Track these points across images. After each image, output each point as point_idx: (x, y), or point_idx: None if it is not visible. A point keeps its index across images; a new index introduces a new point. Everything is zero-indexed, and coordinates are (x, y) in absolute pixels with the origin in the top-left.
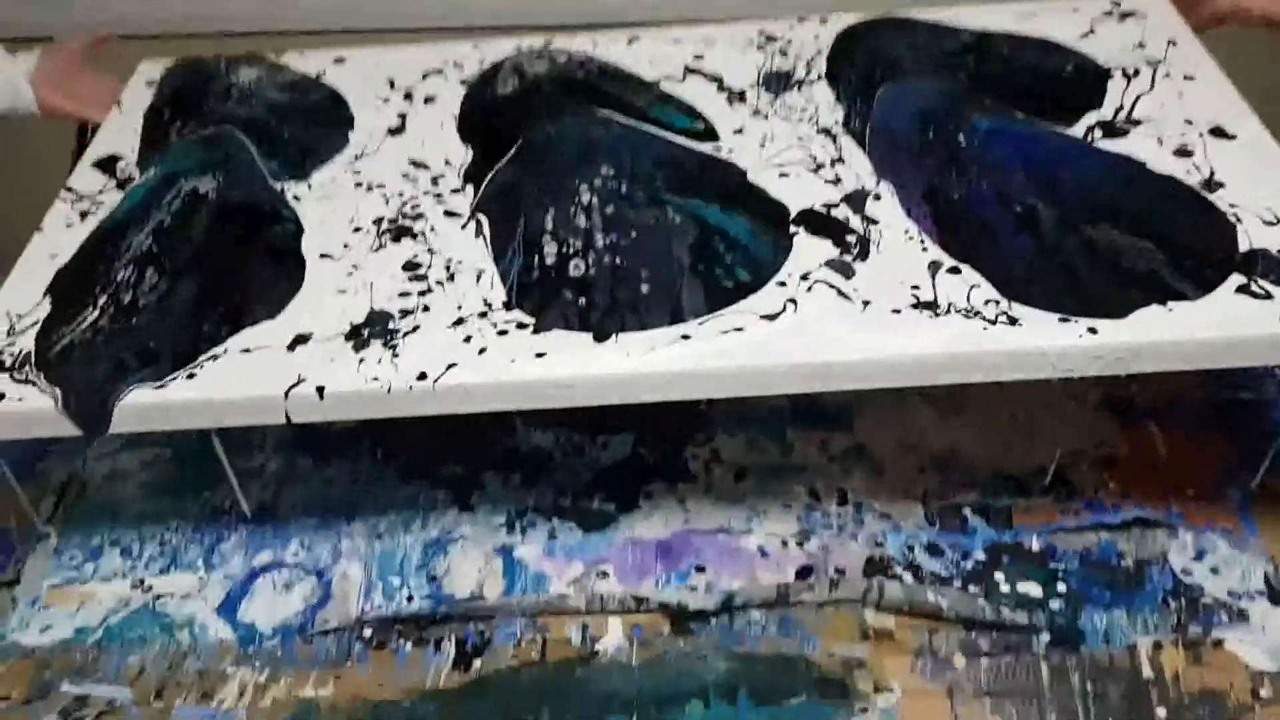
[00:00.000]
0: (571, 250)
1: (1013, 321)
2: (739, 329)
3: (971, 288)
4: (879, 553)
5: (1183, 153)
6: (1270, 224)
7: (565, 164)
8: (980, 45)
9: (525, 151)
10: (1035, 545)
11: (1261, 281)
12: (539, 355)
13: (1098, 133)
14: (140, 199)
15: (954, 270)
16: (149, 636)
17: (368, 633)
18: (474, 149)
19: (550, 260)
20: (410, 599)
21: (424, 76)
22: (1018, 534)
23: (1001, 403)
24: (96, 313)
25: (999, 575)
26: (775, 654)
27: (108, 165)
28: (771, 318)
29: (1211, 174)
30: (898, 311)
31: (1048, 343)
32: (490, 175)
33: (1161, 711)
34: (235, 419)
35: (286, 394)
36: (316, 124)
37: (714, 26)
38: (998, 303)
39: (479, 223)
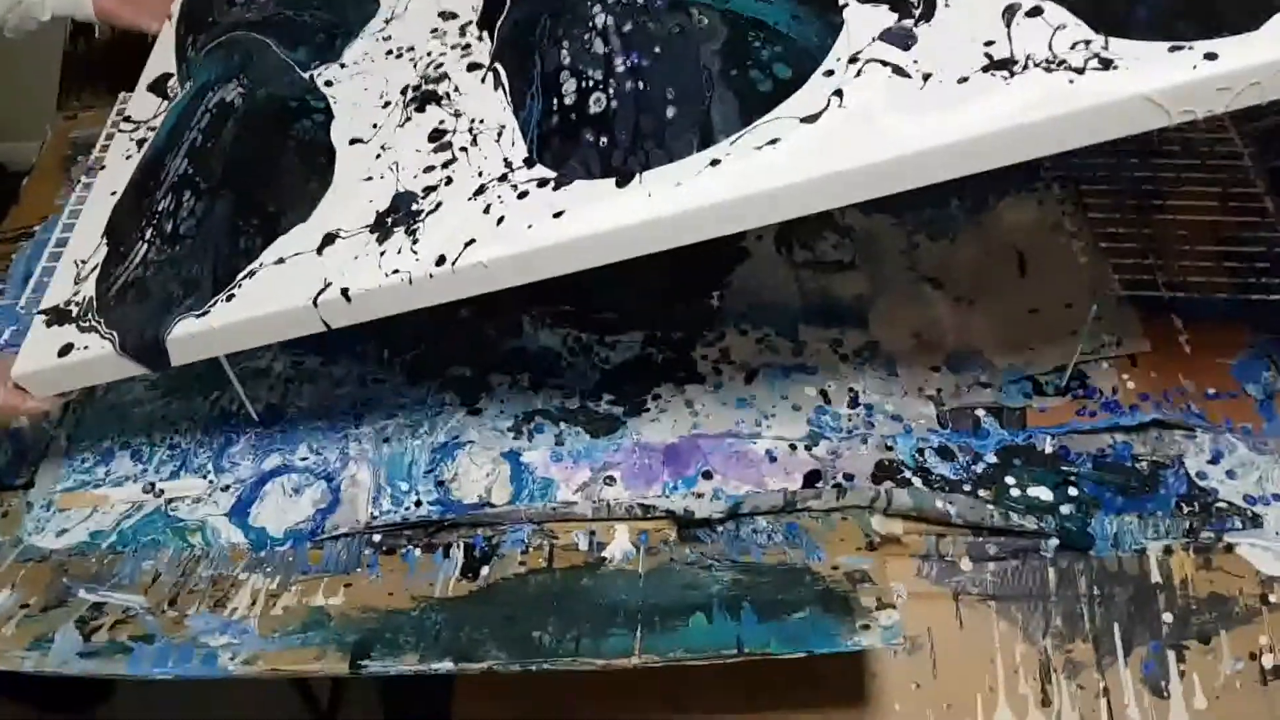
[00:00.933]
0: (591, 83)
1: (1106, 65)
2: (774, 141)
3: (1056, 29)
4: (888, 457)
5: None
6: None
7: None
8: None
9: None
10: (1048, 448)
11: None
12: (556, 215)
13: None
14: (174, 121)
15: (1034, 11)
16: (162, 541)
17: (377, 538)
18: None
19: (570, 99)
20: (418, 504)
21: None
22: (1031, 436)
23: (1021, 295)
24: (145, 246)
25: (1009, 479)
26: (780, 564)
27: (159, 86)
28: (813, 119)
29: None
30: (964, 80)
31: (1152, 84)
32: (501, 17)
33: (1168, 616)
34: (277, 334)
35: (315, 302)
36: None
37: None
38: (1088, 43)
39: (496, 73)
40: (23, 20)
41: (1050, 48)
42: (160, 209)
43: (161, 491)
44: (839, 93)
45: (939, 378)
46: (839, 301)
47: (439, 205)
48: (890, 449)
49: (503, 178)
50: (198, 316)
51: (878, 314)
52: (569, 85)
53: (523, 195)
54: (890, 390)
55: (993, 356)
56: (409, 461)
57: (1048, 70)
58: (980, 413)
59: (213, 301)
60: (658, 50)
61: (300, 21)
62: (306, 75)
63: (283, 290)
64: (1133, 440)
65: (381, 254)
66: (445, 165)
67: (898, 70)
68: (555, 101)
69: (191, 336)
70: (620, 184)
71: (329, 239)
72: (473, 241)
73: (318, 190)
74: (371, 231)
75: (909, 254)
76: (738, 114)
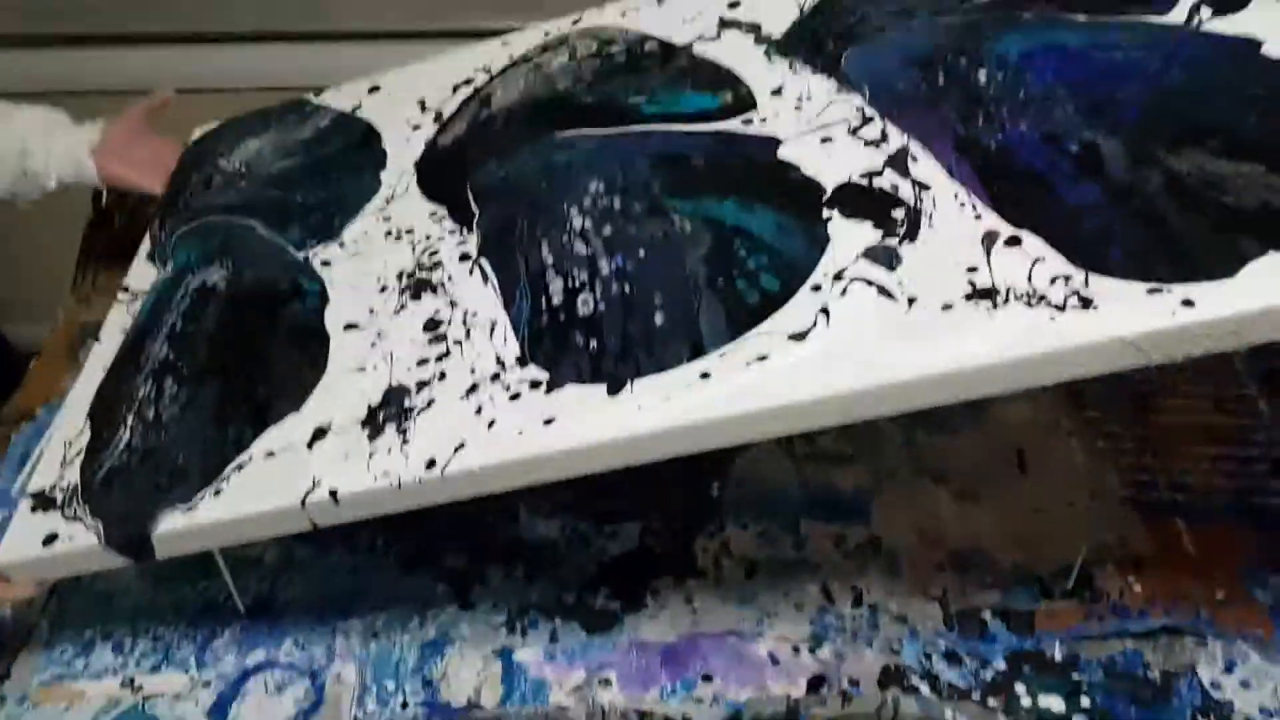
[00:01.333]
0: (577, 284)
1: (1086, 304)
2: (763, 357)
3: (1034, 262)
4: (894, 661)
5: None
6: None
7: (546, 192)
8: None
9: (490, 194)
10: (1058, 654)
11: None
12: (547, 422)
13: (1205, 11)
14: (154, 300)
15: (1013, 241)
16: None
17: None
18: (444, 203)
19: (557, 299)
20: (405, 705)
21: (454, 90)
22: (1040, 640)
23: (1023, 492)
24: (128, 433)
25: (1020, 687)
26: None
27: (157, 255)
28: (801, 337)
29: None
30: (949, 307)
31: (1133, 329)
32: (475, 219)
33: None
34: (264, 532)
35: (303, 503)
36: (342, 173)
37: None
38: (1068, 279)
39: (482, 269)
40: (29, 189)
41: (1030, 280)
42: (141, 395)
43: (140, 687)
44: (825, 311)
45: (944, 577)
46: (841, 495)
47: (431, 402)
48: (896, 652)
49: (495, 376)
50: (184, 511)
51: (880, 509)
52: (555, 285)
53: (515, 397)
54: (894, 589)
55: (997, 555)
56: (397, 659)
57: (1029, 305)
58: (986, 615)
59: (200, 495)
60: (642, 254)
61: (291, 201)
62: (301, 255)
63: (271, 487)
64: (1143, 647)
65: (371, 454)
66: (439, 359)
67: (883, 291)
68: (543, 300)
69: (177, 532)
70: (612, 391)
71: (320, 433)
72: (463, 445)
73: (310, 378)
74: (363, 426)
75: (908, 447)
76: (726, 325)
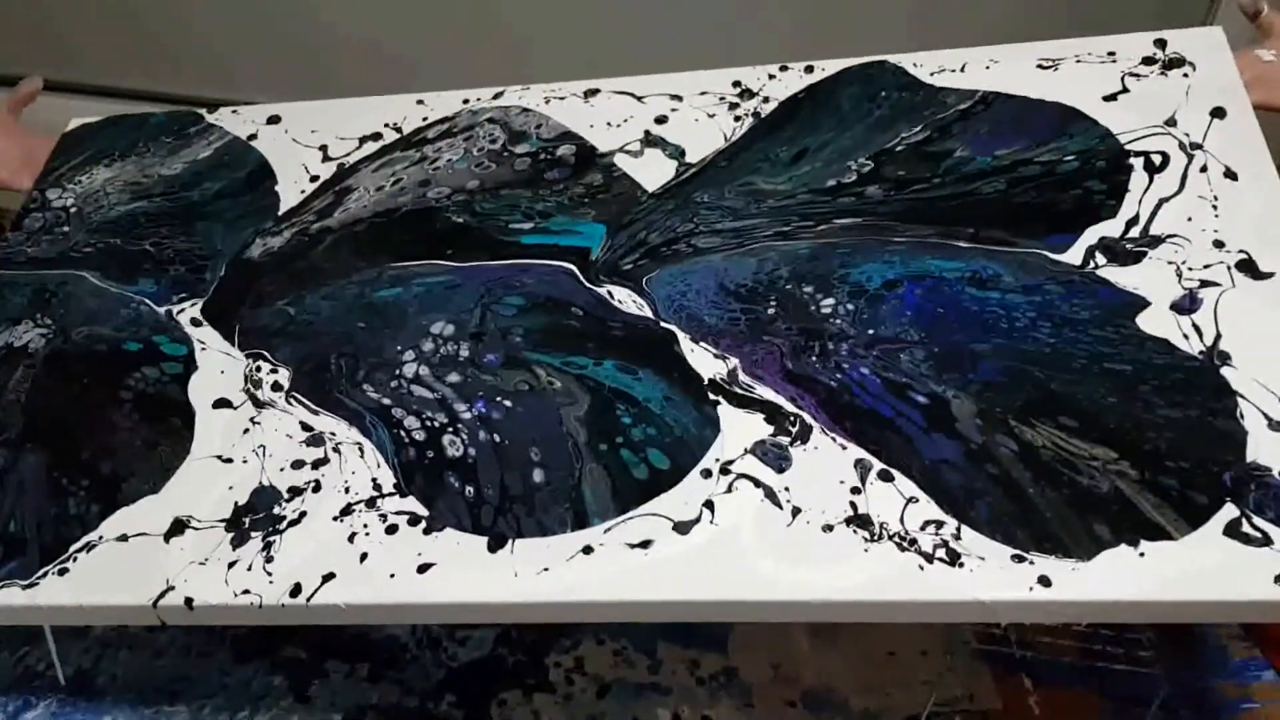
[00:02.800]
0: (435, 423)
1: (954, 559)
2: (646, 543)
3: (908, 501)
4: None
5: (1187, 303)
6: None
7: (364, 333)
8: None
9: (277, 335)
10: None
11: (1258, 519)
12: (422, 569)
13: (1100, 258)
14: None
15: (886, 475)
16: None
17: None
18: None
19: (418, 435)
20: None
21: (360, 142)
22: None
23: (878, 637)
24: None
25: None
26: None
27: None
28: (684, 528)
29: (1218, 338)
30: (829, 529)
31: (991, 594)
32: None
33: None
34: (109, 621)
35: (155, 603)
36: (221, 216)
37: (688, 75)
38: (939, 525)
39: (302, 402)
40: None
41: (903, 521)
42: None
43: None
44: (710, 505)
45: (795, 714)
46: (702, 624)
47: (302, 516)
48: None
49: (371, 502)
50: (24, 587)
51: (738, 639)
52: (408, 420)
53: (391, 530)
54: None
55: (849, 697)
56: None
57: (900, 548)
58: None
59: (41, 573)
60: (508, 404)
61: (137, 251)
62: (162, 310)
63: (121, 579)
64: None
65: (231, 564)
66: (316, 465)
67: (770, 494)
68: (403, 434)
69: (13, 609)
70: (492, 548)
71: (178, 526)
72: (332, 576)
73: (170, 458)
74: (226, 529)
75: None
76: (611, 496)
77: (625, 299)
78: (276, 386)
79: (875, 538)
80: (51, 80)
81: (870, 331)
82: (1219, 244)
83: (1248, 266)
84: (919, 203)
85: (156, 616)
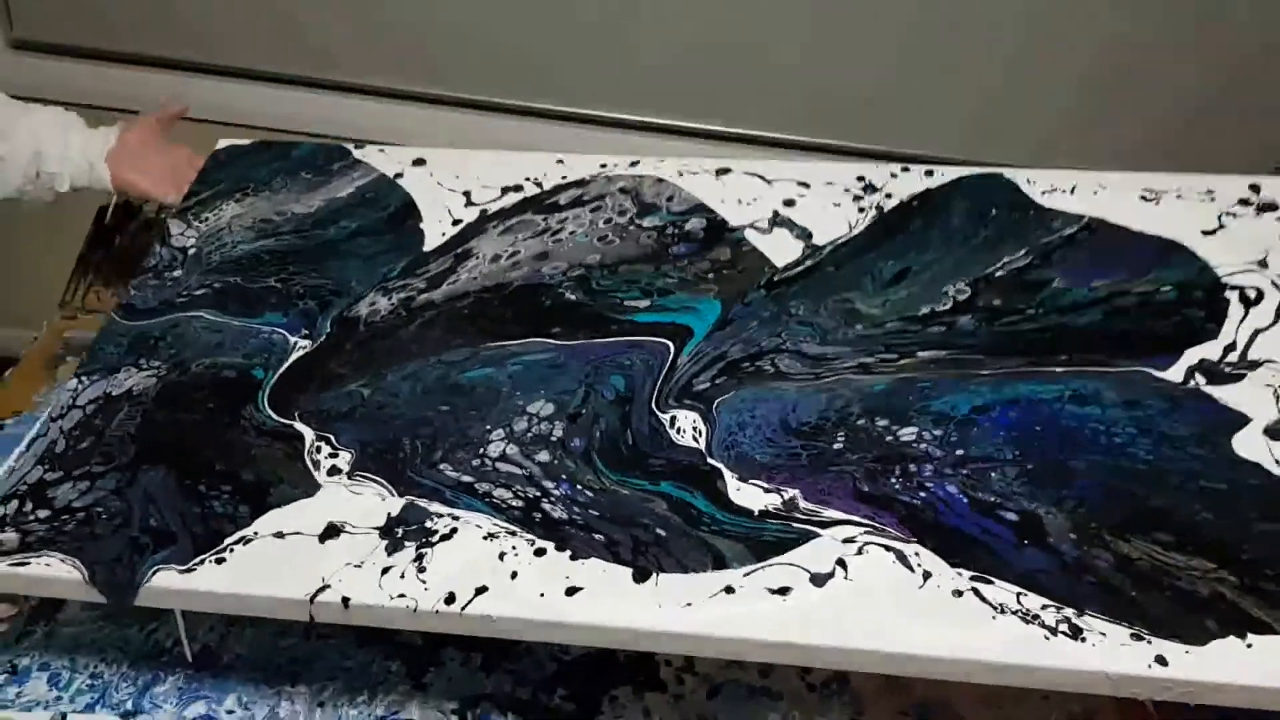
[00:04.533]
0: (529, 495)
1: (1076, 634)
2: (785, 590)
3: (1019, 594)
4: None
5: (1278, 430)
6: None
7: (445, 413)
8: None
9: (340, 417)
10: None
11: None
12: (570, 591)
13: (1200, 378)
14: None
15: (983, 580)
16: None
17: None
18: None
19: (516, 503)
20: None
21: (503, 192)
22: None
23: None
24: (88, 482)
25: None
26: None
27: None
28: (819, 581)
29: None
30: (959, 594)
31: (1112, 667)
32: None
33: None
34: (262, 612)
35: (312, 599)
36: (360, 252)
37: (814, 164)
38: (1059, 608)
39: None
40: (40, 190)
41: (1021, 602)
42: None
43: None
44: (843, 564)
45: None
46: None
47: (454, 532)
48: None
49: (513, 533)
50: (181, 572)
51: None
52: (499, 493)
53: (540, 553)
54: None
55: (964, 711)
56: None
57: (1024, 620)
58: None
59: (199, 559)
60: (589, 494)
61: (261, 288)
62: (292, 341)
63: (279, 573)
64: None
65: (385, 570)
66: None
67: (900, 558)
68: (496, 500)
69: (173, 590)
70: (637, 579)
71: (333, 530)
72: (484, 590)
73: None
74: (381, 536)
75: None
76: (750, 553)
77: (687, 426)
78: (334, 471)
79: (999, 613)
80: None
81: (959, 452)
82: None
83: None
84: (1010, 336)
85: (310, 612)
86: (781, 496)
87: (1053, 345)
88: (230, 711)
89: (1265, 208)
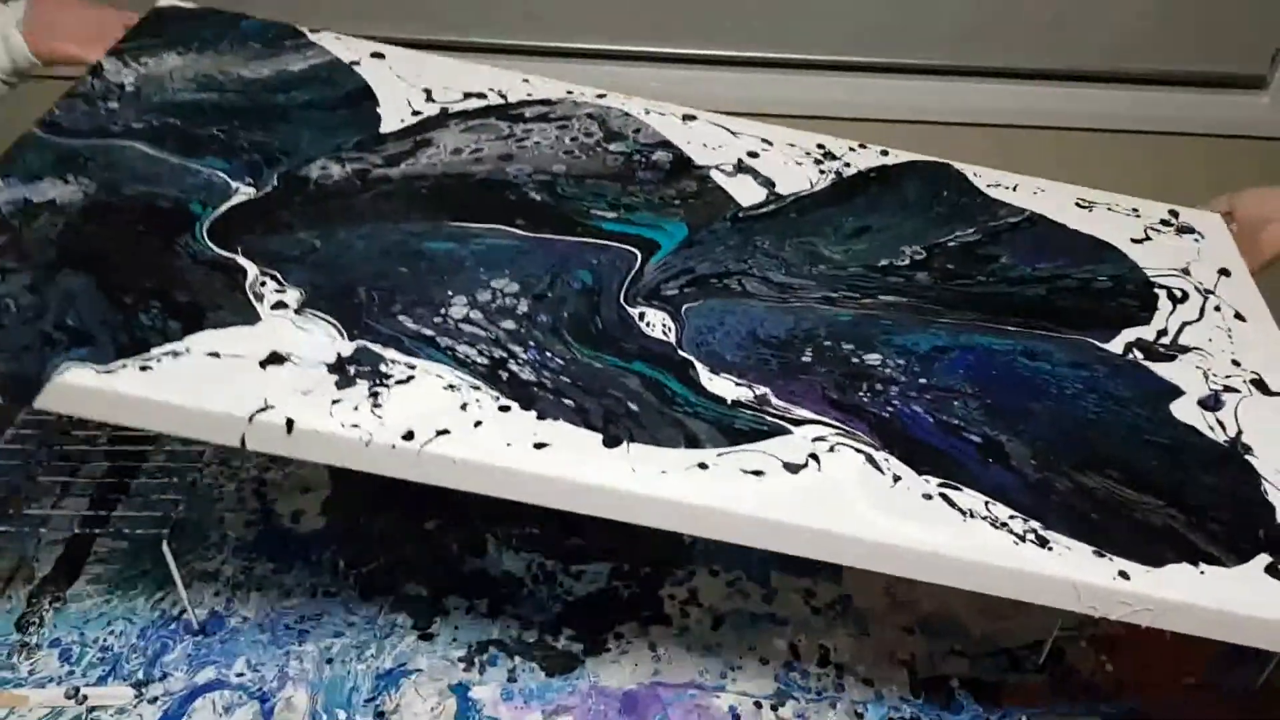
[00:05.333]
0: (495, 355)
1: (1043, 544)
2: (760, 473)
3: (987, 502)
4: None
5: (1212, 402)
6: None
7: (404, 276)
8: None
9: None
10: None
11: None
12: (539, 445)
13: (1138, 353)
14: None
15: (952, 487)
16: None
17: None
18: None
19: (481, 360)
20: None
21: (465, 96)
22: (1006, 714)
23: None
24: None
25: None
26: None
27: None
28: (794, 469)
29: (1240, 433)
30: (928, 497)
31: (1079, 576)
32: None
33: None
34: (187, 429)
35: (251, 418)
36: (306, 121)
37: (773, 126)
38: (1025, 519)
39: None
40: None
41: (990, 510)
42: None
43: (85, 698)
44: (816, 458)
45: (912, 641)
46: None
47: (411, 379)
48: (860, 716)
49: (476, 386)
50: (99, 371)
51: (853, 569)
52: (461, 348)
53: (504, 409)
54: (862, 651)
55: (969, 623)
56: (350, 687)
57: (994, 527)
58: (954, 684)
59: (120, 363)
60: (560, 362)
61: (204, 135)
62: (235, 186)
63: (214, 389)
64: None
65: (336, 401)
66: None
67: (871, 460)
68: (460, 355)
69: (88, 390)
70: (608, 444)
71: (276, 358)
72: (446, 432)
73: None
74: (330, 371)
75: None
76: (722, 436)
77: (656, 322)
78: (280, 305)
79: (969, 518)
80: None
81: (922, 381)
82: (1236, 363)
83: (1260, 385)
84: (964, 295)
85: (243, 435)
86: (753, 392)
87: (1004, 309)
88: (240, 674)
89: (1184, 230)
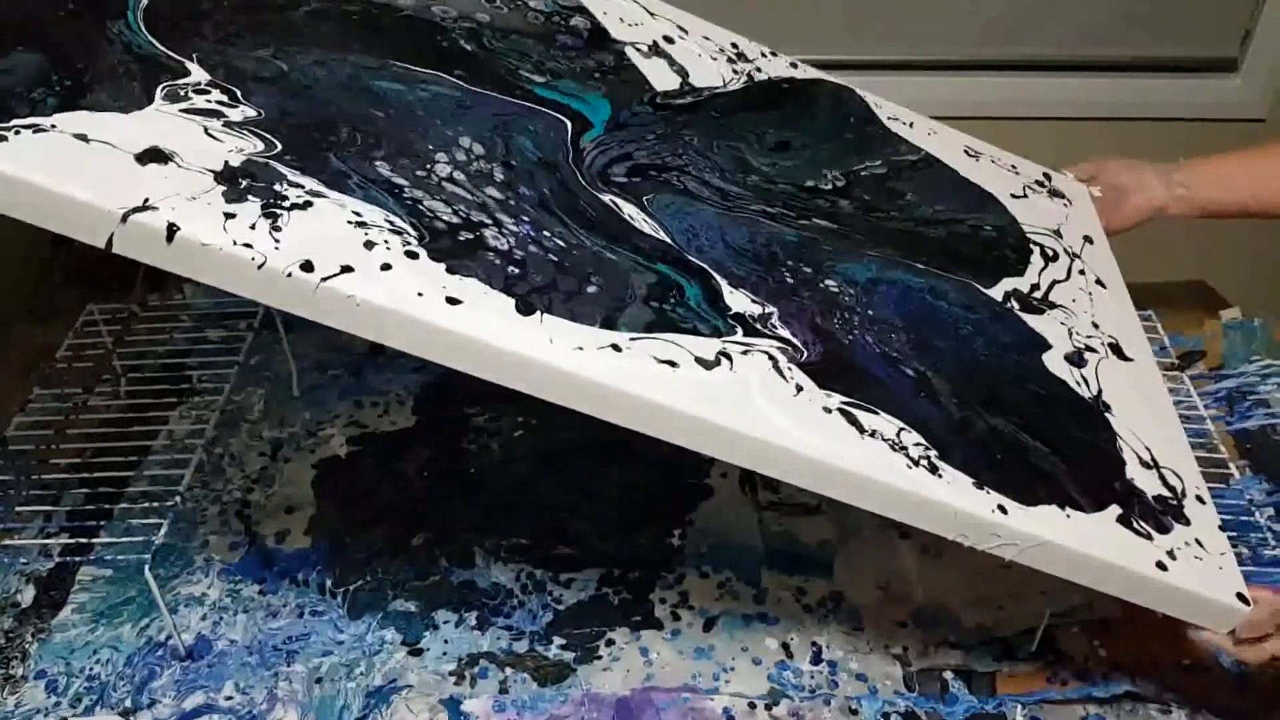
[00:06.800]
0: (473, 219)
1: (933, 470)
2: (672, 364)
3: (899, 430)
4: None
5: (1077, 359)
6: (1147, 466)
7: (382, 119)
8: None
9: (265, 83)
10: (1019, 717)
11: (1141, 522)
12: (451, 301)
13: (1014, 303)
14: None
15: (870, 410)
16: None
17: None
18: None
19: (450, 219)
20: None
21: None
22: (1001, 703)
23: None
24: None
25: None
26: None
27: None
28: (706, 365)
29: (1100, 392)
30: (828, 411)
31: (960, 504)
32: (241, 96)
33: None
34: (43, 216)
35: (125, 217)
36: None
37: (695, 18)
38: (926, 448)
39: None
40: None
41: (898, 436)
42: None
43: None
44: (728, 356)
45: (905, 634)
46: (804, 547)
47: (309, 204)
48: (855, 712)
49: (389, 224)
50: None
51: (843, 562)
52: (433, 204)
53: (412, 256)
54: (855, 646)
55: (961, 614)
56: (340, 705)
57: (892, 449)
58: (949, 675)
59: None
60: (560, 244)
61: None
62: None
63: (78, 171)
64: (1106, 713)
65: (229, 216)
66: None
67: (776, 367)
68: (427, 214)
69: None
70: (522, 311)
71: (157, 155)
72: (349, 269)
73: (143, 89)
74: (217, 181)
75: None
76: (644, 327)
77: (634, 215)
78: (230, 124)
79: (868, 436)
80: None
81: (870, 313)
82: (1095, 325)
83: (1116, 350)
84: (882, 229)
85: (111, 233)
86: (763, 309)
87: (914, 246)
88: (229, 698)
89: (1055, 194)
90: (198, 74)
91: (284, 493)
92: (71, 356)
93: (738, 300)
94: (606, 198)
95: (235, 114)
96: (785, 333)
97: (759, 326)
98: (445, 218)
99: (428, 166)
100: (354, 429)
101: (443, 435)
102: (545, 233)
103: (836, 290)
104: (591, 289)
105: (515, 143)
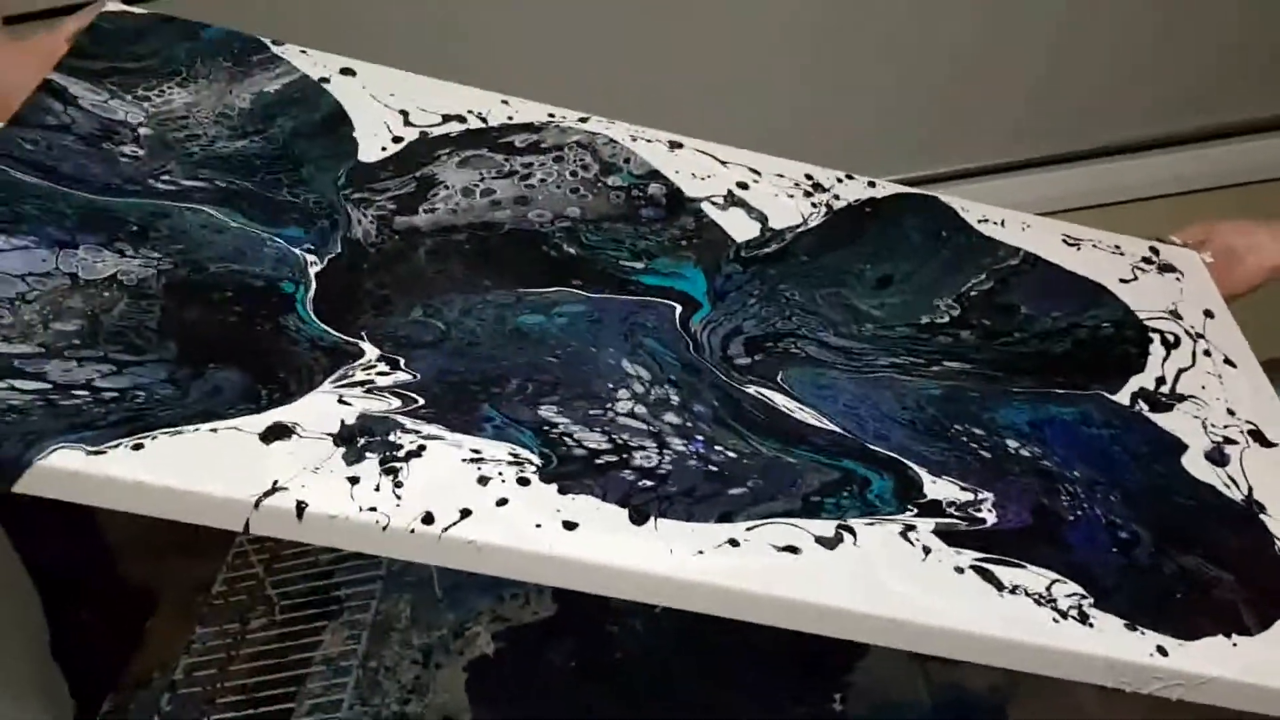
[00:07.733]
0: (634, 444)
1: (1083, 619)
2: (793, 549)
3: (1053, 582)
4: None
5: (1219, 456)
6: None
7: (566, 362)
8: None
9: (416, 344)
10: None
11: None
12: (568, 526)
13: (1142, 404)
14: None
15: (1015, 564)
16: None
17: None
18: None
19: (595, 445)
20: None
21: (444, 119)
22: None
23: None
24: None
25: None
26: None
27: None
28: (828, 544)
29: (1251, 490)
30: (960, 571)
31: (1113, 654)
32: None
33: None
34: (187, 515)
35: (257, 503)
36: (312, 162)
37: (765, 157)
38: (1083, 596)
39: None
40: None
41: (1048, 590)
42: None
43: None
44: (851, 530)
45: None
46: (973, 696)
47: (423, 450)
48: None
49: (513, 464)
50: (89, 452)
51: (1017, 709)
52: (589, 438)
53: (524, 482)
54: None
55: None
56: None
57: (1037, 603)
58: None
59: (114, 443)
60: (731, 455)
61: (282, 200)
62: (296, 251)
63: (213, 468)
64: None
65: (351, 480)
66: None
67: (905, 534)
68: (566, 444)
69: (72, 474)
70: (635, 521)
71: (280, 430)
72: (469, 514)
73: (271, 356)
74: (336, 444)
75: None
76: (765, 509)
77: (790, 406)
78: (373, 389)
79: (1007, 593)
80: None
81: (1074, 473)
82: (1231, 411)
83: (1258, 436)
84: (1012, 356)
85: (247, 520)
86: (975, 496)
87: (1045, 368)
88: None
89: (1165, 268)
90: (370, 352)
91: (438, 702)
92: (226, 591)
93: (942, 489)
94: (752, 390)
95: (387, 380)
96: (992, 519)
97: (953, 512)
98: (591, 445)
99: (607, 406)
100: (498, 624)
101: (585, 620)
102: (718, 447)
103: (1015, 448)
104: (737, 490)
105: (648, 347)
